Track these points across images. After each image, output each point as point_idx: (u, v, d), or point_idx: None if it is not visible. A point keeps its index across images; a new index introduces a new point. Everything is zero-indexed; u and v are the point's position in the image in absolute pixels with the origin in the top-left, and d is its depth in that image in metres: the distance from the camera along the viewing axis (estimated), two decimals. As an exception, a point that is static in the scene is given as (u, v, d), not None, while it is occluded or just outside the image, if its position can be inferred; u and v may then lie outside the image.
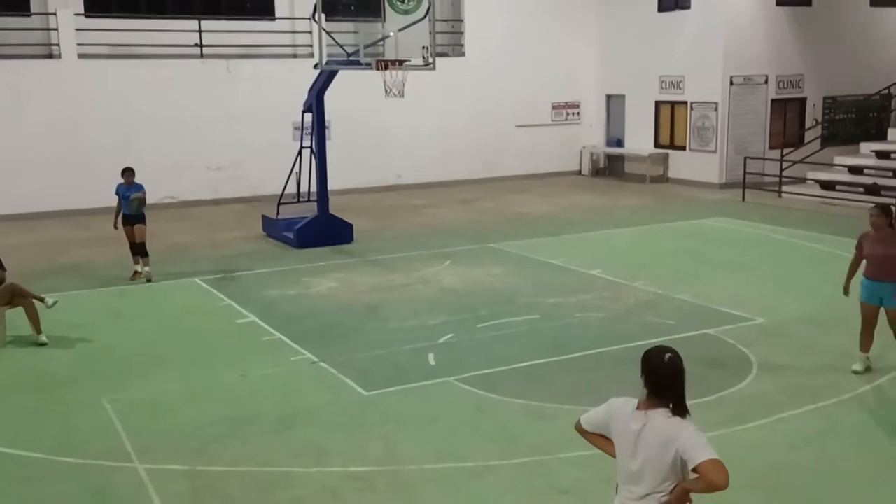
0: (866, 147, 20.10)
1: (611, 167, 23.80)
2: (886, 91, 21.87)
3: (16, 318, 9.75)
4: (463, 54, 22.02)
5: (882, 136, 20.62)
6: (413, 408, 7.71)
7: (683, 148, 21.74)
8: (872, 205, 8.57)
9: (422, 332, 9.89)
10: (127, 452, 6.85)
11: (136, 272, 12.51)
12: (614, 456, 3.94)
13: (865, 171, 19.10)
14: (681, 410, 3.74)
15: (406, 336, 9.75)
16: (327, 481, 6.35)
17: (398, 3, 14.01)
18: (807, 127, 21.69)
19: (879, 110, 22.08)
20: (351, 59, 14.37)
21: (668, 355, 3.76)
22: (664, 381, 3.74)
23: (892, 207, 8.39)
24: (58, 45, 18.18)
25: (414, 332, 9.86)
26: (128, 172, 12.54)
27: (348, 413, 7.63)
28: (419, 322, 10.29)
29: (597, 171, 23.82)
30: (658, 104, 22.27)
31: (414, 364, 8.84)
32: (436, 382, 8.28)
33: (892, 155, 19.21)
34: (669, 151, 22.11)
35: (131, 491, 6.26)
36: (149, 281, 12.32)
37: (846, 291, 8.42)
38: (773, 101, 21.30)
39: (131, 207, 12.36)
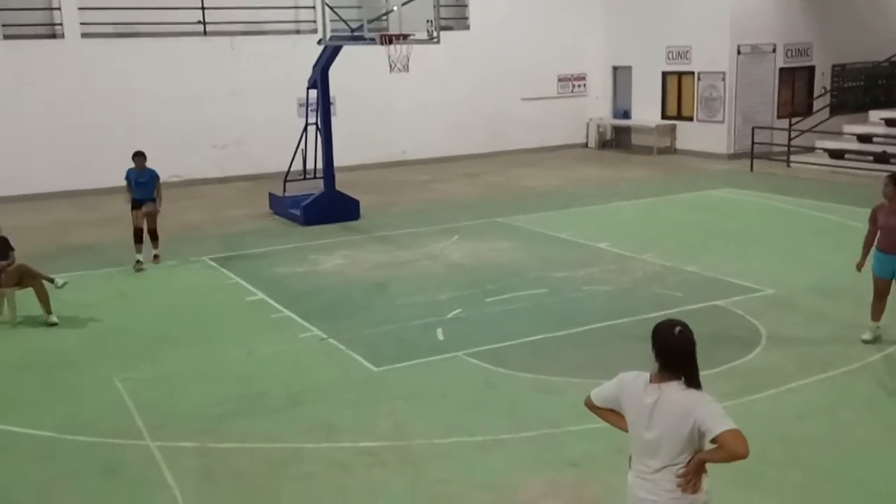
0: (875, 115, 19.94)
1: (618, 139, 23.68)
2: (896, 58, 21.67)
3: (26, 298, 9.80)
4: (468, 27, 21.86)
5: (891, 104, 20.44)
6: (422, 383, 7.73)
7: (691, 118, 21.60)
8: (886, 174, 8.46)
9: (430, 307, 9.89)
10: (139, 430, 6.90)
11: (138, 261, 11.94)
12: (625, 430, 3.94)
13: (875, 139, 18.95)
14: (694, 382, 3.73)
15: (414, 312, 9.76)
16: (337, 457, 6.38)
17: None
18: (815, 95, 21.51)
19: (888, 77, 21.85)
20: (355, 34, 14.29)
21: (678, 328, 3.75)
22: (676, 355, 3.74)
23: None
24: (61, 24, 18.11)
25: (422, 308, 9.87)
26: (139, 157, 12.19)
27: (357, 389, 7.65)
28: (427, 297, 10.29)
29: (604, 144, 23.71)
30: (665, 75, 22.10)
31: (422, 339, 8.85)
32: (444, 357, 8.30)
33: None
34: (677, 122, 21.97)
35: (143, 468, 6.30)
36: (140, 268, 11.86)
37: (859, 267, 8.27)
38: (780, 69, 21.11)
39: (143, 191, 12.10)
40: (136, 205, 12.13)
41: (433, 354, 8.39)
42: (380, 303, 10.22)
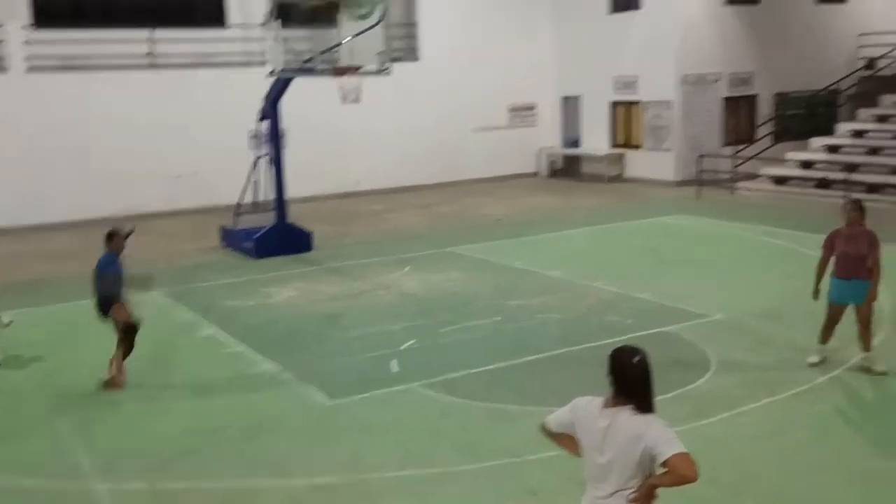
0: (816, 142, 20.49)
1: (568, 168, 23.97)
2: (834, 86, 22.31)
3: (-31, 337, 9.55)
4: (419, 59, 22.03)
5: (831, 131, 21.02)
6: (377, 415, 7.70)
7: (639, 147, 21.98)
8: (848, 200, 8.57)
9: (384, 338, 9.87)
10: (86, 471, 6.74)
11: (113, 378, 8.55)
12: (579, 455, 3.98)
13: (816, 165, 19.47)
14: (648, 408, 3.81)
15: (369, 343, 9.72)
16: (292, 494, 6.31)
17: (352, 9, 14.00)
18: (759, 123, 22.05)
19: (828, 105, 22.51)
20: (306, 65, 14.32)
21: (637, 357, 3.84)
22: (633, 382, 3.82)
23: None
24: (3, 58, 17.86)
25: (376, 339, 9.84)
26: (118, 238, 8.51)
27: (312, 423, 7.59)
28: (381, 329, 10.27)
29: (554, 173, 23.98)
30: (613, 104, 22.49)
31: (377, 371, 8.82)
32: (400, 389, 8.27)
33: (841, 149, 19.60)
34: (625, 151, 22.34)
35: (93, 510, 6.17)
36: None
37: (816, 295, 8.25)
38: (725, 98, 21.63)
39: (114, 286, 8.44)
40: (106, 304, 8.50)
41: (388, 386, 8.36)
42: (334, 335, 10.17)
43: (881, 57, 22.41)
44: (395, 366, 8.93)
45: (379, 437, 7.22)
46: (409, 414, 7.70)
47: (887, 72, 22.05)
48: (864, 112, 20.82)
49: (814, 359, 8.38)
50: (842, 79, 22.32)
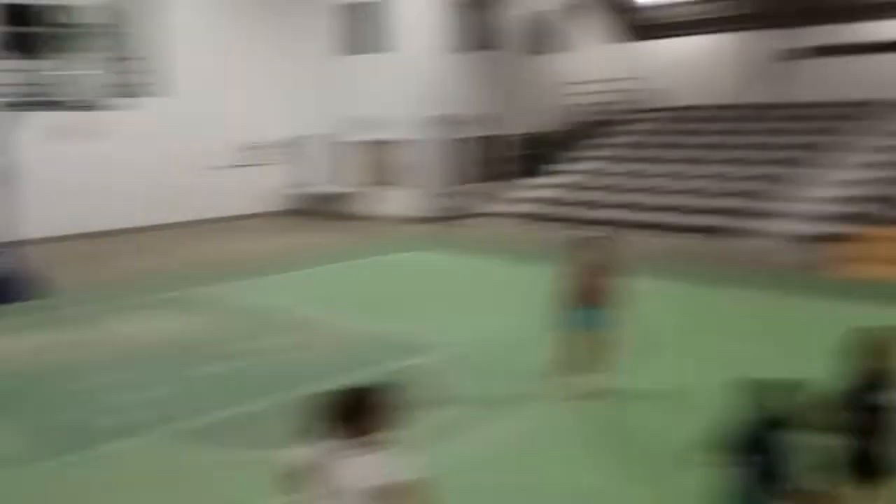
0: (553, 179, 21.87)
1: (315, 206, 23.94)
2: (569, 128, 24.03)
3: None
4: (159, 94, 21.05)
5: (564, 170, 22.49)
6: (102, 473, 7.14)
7: (386, 185, 22.45)
8: (592, 235, 9.11)
9: (117, 389, 9.22)
10: None
11: None
12: (319, 496, 3.94)
13: (552, 201, 20.73)
14: (382, 441, 3.89)
15: (98, 395, 9.04)
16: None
17: (80, 42, 13.31)
18: (504, 161, 23.24)
19: (562, 144, 24.13)
20: (34, 99, 13.34)
21: (367, 392, 3.96)
22: (364, 417, 3.90)
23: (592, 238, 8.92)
24: None
25: (107, 391, 9.18)
26: None
27: (24, 490, 6.88)
28: (114, 379, 9.59)
29: (300, 211, 23.89)
30: (361, 144, 22.85)
31: (105, 425, 8.18)
32: (131, 442, 7.75)
33: (576, 185, 21.03)
34: (373, 189, 22.73)
35: None
36: None
37: (560, 324, 8.54)
38: (472, 137, 22.63)
39: None
40: None
41: (117, 439, 7.78)
42: (59, 389, 9.36)
43: (594, 104, 24.47)
44: (126, 417, 8.35)
45: (102, 499, 6.68)
46: (139, 468, 7.22)
47: (599, 116, 24.08)
48: (587, 152, 22.54)
49: (557, 388, 8.59)
50: (565, 122, 24.11)
